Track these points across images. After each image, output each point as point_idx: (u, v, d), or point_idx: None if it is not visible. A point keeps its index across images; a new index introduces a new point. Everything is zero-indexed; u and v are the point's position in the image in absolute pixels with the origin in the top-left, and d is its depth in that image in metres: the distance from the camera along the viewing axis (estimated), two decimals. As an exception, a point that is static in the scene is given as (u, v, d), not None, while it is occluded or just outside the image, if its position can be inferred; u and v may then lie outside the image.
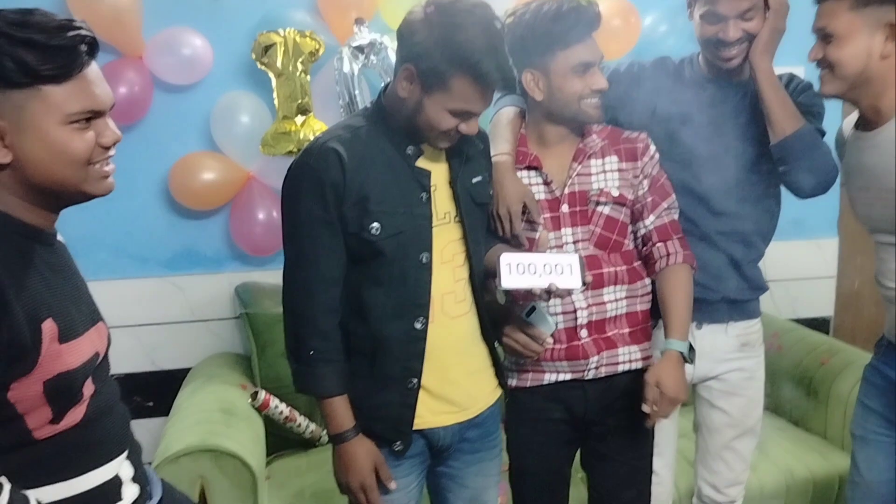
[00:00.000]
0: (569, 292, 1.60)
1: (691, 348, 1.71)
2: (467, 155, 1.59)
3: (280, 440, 2.39)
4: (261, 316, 2.44)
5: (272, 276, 2.56)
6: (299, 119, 2.42)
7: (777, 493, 2.31)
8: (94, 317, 1.20)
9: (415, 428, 1.56)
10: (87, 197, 1.14)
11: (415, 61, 1.42)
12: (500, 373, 1.69)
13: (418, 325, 1.52)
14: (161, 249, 2.59)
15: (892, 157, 1.54)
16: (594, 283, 1.69)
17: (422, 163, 1.53)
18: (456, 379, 1.58)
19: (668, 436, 1.94)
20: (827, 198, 2.93)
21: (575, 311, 1.70)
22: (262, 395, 2.29)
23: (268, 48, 2.39)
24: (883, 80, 1.54)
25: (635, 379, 1.70)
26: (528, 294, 1.51)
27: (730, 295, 1.90)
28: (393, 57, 2.32)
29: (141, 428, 2.52)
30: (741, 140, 1.84)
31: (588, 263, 1.70)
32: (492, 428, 1.69)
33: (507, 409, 1.79)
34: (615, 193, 1.71)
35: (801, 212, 2.96)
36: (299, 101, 2.42)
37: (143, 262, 2.58)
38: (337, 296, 1.52)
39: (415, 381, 1.54)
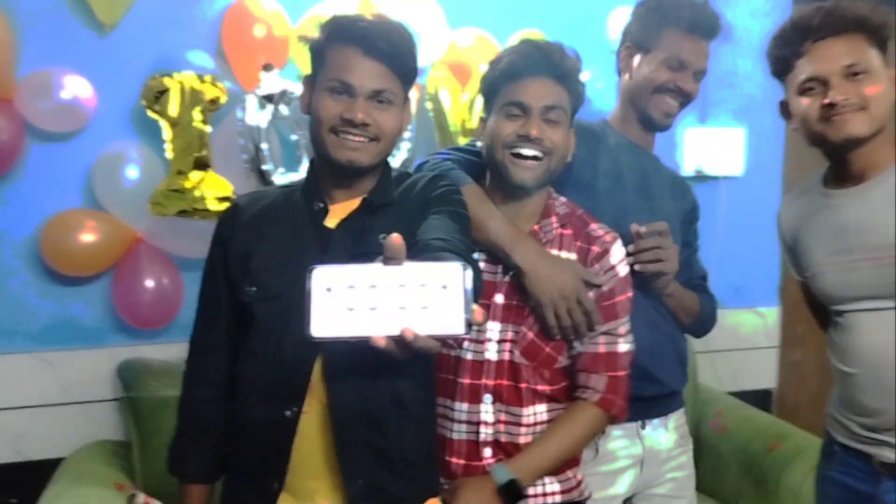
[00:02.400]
0: (444, 341, 0.84)
1: (517, 493, 1.38)
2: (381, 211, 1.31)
3: (165, 546, 2.06)
4: (145, 400, 2.11)
5: (160, 352, 2.27)
6: (195, 175, 2.13)
7: None
8: None
9: None
10: None
11: None
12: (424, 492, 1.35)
13: (287, 414, 1.24)
14: (30, 320, 2.23)
15: (892, 208, 1.42)
16: (510, 399, 1.41)
17: (330, 222, 1.30)
18: (332, 491, 1.27)
19: None
20: (767, 265, 2.89)
21: (479, 425, 1.41)
22: (141, 498, 1.94)
23: (160, 94, 2.10)
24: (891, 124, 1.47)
25: None
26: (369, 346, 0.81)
27: (675, 385, 1.74)
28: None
29: (1, 531, 2.20)
30: (662, 205, 1.73)
31: (509, 373, 1.41)
32: None
33: None
34: None
35: (742, 279, 2.86)
36: (197, 155, 2.14)
37: (8, 334, 2.22)
38: (210, 365, 1.37)
39: (276, 483, 1.26)
